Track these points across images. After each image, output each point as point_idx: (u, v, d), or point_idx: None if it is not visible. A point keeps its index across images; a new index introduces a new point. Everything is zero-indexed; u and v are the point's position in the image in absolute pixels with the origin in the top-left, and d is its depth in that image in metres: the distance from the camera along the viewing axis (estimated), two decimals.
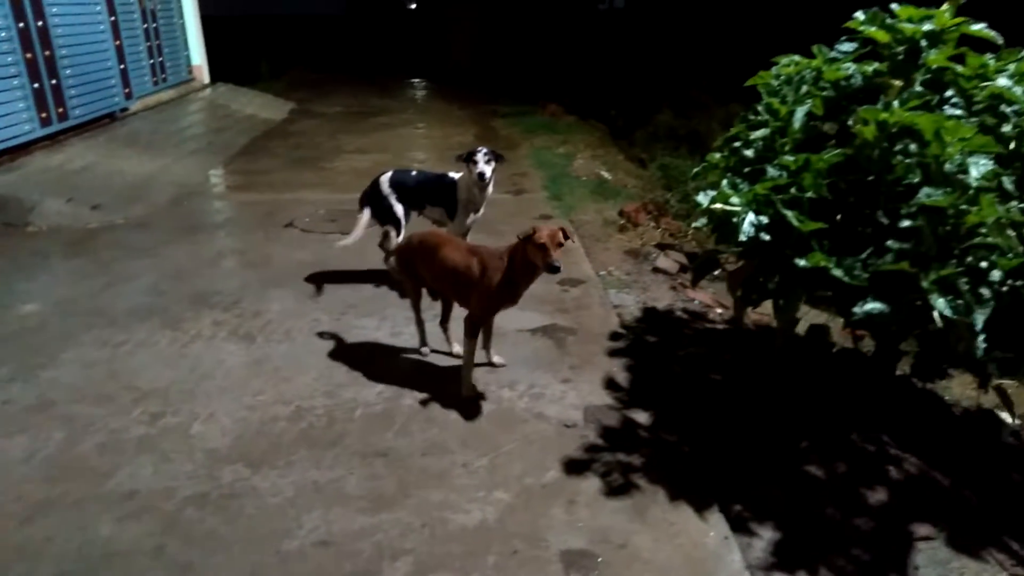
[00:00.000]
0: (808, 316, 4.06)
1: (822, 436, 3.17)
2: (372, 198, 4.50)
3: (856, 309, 2.51)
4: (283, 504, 2.66)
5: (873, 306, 2.44)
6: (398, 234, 4.50)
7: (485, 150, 4.25)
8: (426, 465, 2.89)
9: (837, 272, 2.44)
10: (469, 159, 4.24)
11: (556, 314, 4.24)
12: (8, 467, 2.84)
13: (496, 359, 3.68)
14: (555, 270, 3.03)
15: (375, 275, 4.72)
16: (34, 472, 2.81)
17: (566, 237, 3.10)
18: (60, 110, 7.45)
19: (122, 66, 8.96)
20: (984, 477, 2.97)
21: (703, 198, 2.80)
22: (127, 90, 9.07)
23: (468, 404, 3.30)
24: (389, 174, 4.52)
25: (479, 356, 3.50)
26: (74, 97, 7.72)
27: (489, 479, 2.82)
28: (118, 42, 8.89)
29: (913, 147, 2.50)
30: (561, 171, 7.58)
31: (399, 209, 4.47)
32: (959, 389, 3.70)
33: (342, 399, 3.32)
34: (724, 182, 2.80)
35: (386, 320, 4.10)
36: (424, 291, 3.65)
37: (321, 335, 3.91)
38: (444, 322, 3.74)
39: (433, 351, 3.75)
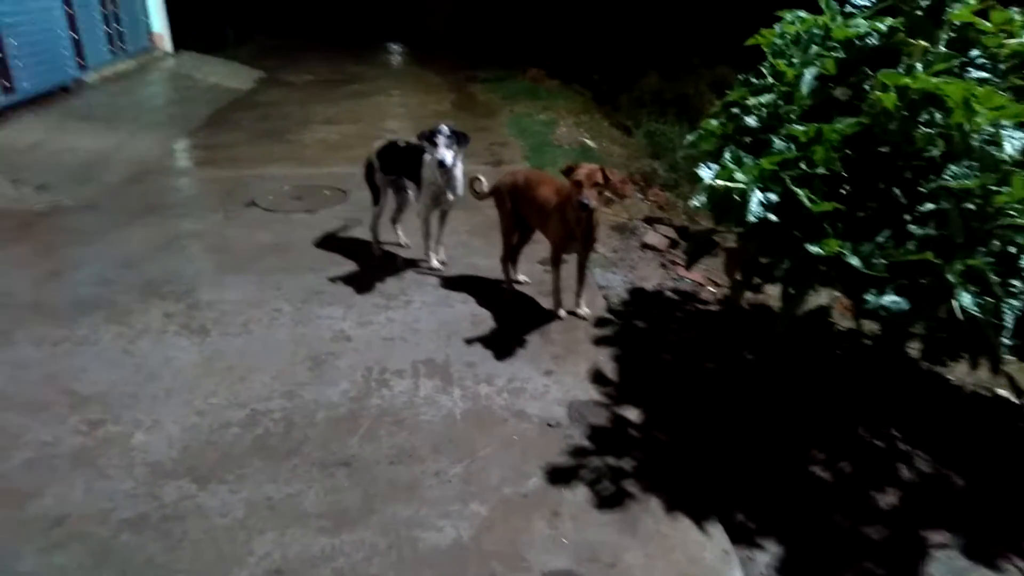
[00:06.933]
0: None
1: (827, 431, 2.92)
2: (366, 168, 4.37)
3: (870, 299, 2.24)
4: (232, 526, 2.37)
5: (892, 300, 2.16)
6: (375, 203, 4.36)
7: (447, 131, 3.80)
8: (394, 475, 2.61)
9: (853, 260, 2.15)
10: (430, 139, 3.84)
11: (539, 297, 3.95)
12: None
13: (581, 311, 3.74)
14: (583, 207, 3.22)
15: (342, 259, 4.38)
16: None
17: (606, 179, 3.25)
18: (5, 84, 6.95)
19: (75, 35, 8.40)
20: (999, 470, 2.75)
21: (705, 173, 2.46)
22: (81, 61, 8.52)
23: (448, 400, 3.02)
24: (382, 142, 4.34)
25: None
26: (21, 70, 7.18)
27: (464, 489, 2.55)
28: (70, 9, 8.32)
29: (938, 116, 2.19)
30: (543, 139, 7.21)
31: (380, 179, 4.30)
32: (962, 367, 3.46)
33: (302, 400, 3.02)
34: (727, 154, 2.47)
35: (352, 308, 3.78)
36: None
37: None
38: (514, 255, 4.00)
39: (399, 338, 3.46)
